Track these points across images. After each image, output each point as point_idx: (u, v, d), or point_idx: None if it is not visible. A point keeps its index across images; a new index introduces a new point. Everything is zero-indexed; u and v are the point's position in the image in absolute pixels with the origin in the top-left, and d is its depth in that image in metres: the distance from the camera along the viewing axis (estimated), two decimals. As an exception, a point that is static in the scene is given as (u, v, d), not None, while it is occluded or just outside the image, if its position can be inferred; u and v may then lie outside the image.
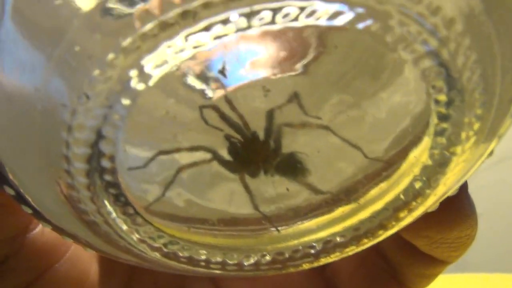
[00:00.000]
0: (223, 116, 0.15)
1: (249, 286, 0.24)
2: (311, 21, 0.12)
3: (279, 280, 0.24)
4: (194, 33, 0.11)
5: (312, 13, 0.11)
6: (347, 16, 0.12)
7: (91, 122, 0.12)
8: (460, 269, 0.26)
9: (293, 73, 0.14)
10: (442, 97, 0.14)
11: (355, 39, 0.14)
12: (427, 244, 0.21)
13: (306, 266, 0.17)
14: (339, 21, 0.12)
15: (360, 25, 0.12)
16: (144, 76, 0.12)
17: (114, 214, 0.14)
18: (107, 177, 0.14)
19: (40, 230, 0.19)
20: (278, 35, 0.13)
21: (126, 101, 0.12)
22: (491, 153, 0.16)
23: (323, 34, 0.14)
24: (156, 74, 0.12)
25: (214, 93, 0.14)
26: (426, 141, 0.15)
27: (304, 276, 0.24)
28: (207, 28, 0.11)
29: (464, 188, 0.19)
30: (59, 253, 0.20)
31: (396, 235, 0.21)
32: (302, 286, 0.24)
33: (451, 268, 0.22)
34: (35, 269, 0.19)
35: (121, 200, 0.14)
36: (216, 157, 0.16)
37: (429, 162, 0.15)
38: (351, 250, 0.17)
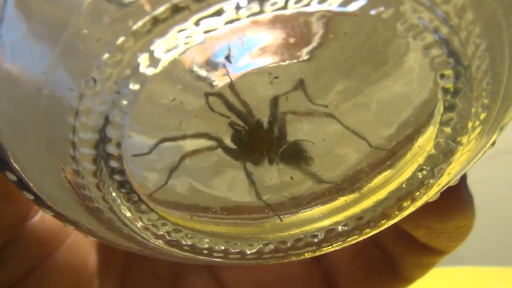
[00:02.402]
0: (228, 104, 0.15)
1: (247, 276, 0.24)
2: (323, 7, 0.11)
3: (277, 270, 0.24)
4: (206, 17, 0.11)
5: None
6: (360, 2, 0.12)
7: (99, 107, 0.12)
8: (454, 262, 0.26)
9: (300, 60, 0.14)
10: (450, 86, 0.14)
11: (365, 26, 0.14)
12: (426, 234, 0.21)
13: (308, 255, 0.17)
14: (352, 7, 0.12)
15: (372, 11, 0.12)
16: (154, 61, 0.12)
17: (118, 201, 0.14)
18: (113, 164, 0.14)
19: (40, 218, 0.19)
20: (287, 21, 0.13)
21: (135, 86, 0.12)
22: (493, 143, 0.16)
23: (333, 20, 0.13)
24: (166, 59, 0.12)
25: (220, 80, 0.14)
26: (431, 131, 0.15)
27: (302, 266, 0.24)
28: (218, 13, 0.11)
29: (463, 178, 0.19)
30: (59, 241, 0.20)
31: (394, 225, 0.21)
32: (300, 275, 0.24)
33: (445, 261, 0.23)
34: (35, 257, 0.19)
35: (126, 187, 0.14)
36: (220, 144, 0.16)
37: (434, 152, 0.15)
38: (354, 239, 0.17)
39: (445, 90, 0.14)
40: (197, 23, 0.11)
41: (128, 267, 0.23)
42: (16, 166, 0.14)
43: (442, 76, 0.13)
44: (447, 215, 0.20)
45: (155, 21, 0.11)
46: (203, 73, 0.14)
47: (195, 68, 0.14)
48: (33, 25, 0.12)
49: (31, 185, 0.15)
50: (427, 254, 0.22)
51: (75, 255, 0.20)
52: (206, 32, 0.11)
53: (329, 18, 0.13)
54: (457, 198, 0.20)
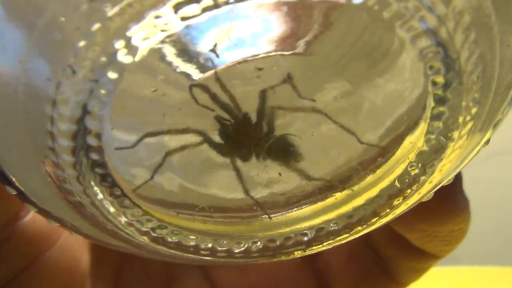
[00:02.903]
0: (213, 97, 0.15)
1: (239, 276, 0.23)
2: None
3: (271, 273, 0.24)
4: (183, 3, 0.11)
5: None
6: None
7: (77, 96, 0.12)
8: (450, 262, 0.26)
9: (287, 53, 0.14)
10: (440, 79, 0.13)
11: (352, 16, 0.14)
12: (420, 237, 0.21)
13: (298, 254, 0.17)
14: None
15: (356, 0, 0.11)
16: (131, 49, 0.11)
17: (100, 195, 0.14)
18: (93, 156, 0.13)
19: (31, 217, 0.19)
20: (272, 11, 0.13)
21: (113, 75, 0.12)
22: (487, 142, 0.16)
23: (320, 11, 0.13)
24: (144, 47, 0.11)
25: (204, 71, 0.14)
26: (422, 126, 0.15)
27: (294, 268, 0.24)
28: None
29: (458, 181, 0.19)
30: (50, 240, 0.20)
31: (388, 228, 0.21)
32: (293, 278, 0.24)
33: (441, 260, 0.22)
34: (26, 257, 0.19)
35: (107, 181, 0.14)
36: (207, 139, 0.15)
37: (425, 148, 0.15)
38: (344, 238, 0.17)
39: (435, 83, 0.13)
40: (174, 9, 0.11)
41: (120, 267, 0.23)
42: None
43: (431, 67, 0.13)
44: (441, 218, 0.20)
45: (130, 6, 0.11)
46: (186, 63, 0.14)
47: (178, 58, 0.13)
48: (9, 11, 0.12)
49: (13, 179, 0.14)
50: (421, 258, 0.22)
51: (67, 255, 0.20)
52: (183, 19, 0.11)
53: (315, 8, 0.13)
54: (452, 201, 0.19)
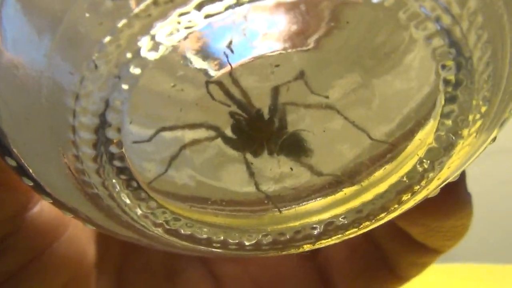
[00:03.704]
0: (228, 92, 0.15)
1: (241, 270, 0.24)
2: None
3: (272, 266, 0.24)
4: (207, 1, 0.11)
5: None
6: None
7: (100, 91, 0.12)
8: (449, 259, 0.26)
9: (301, 49, 0.14)
10: (451, 77, 0.14)
11: (367, 15, 0.14)
12: (423, 232, 0.21)
13: (307, 247, 0.17)
14: None
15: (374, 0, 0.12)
16: (155, 45, 0.12)
17: (118, 187, 0.14)
18: (113, 149, 0.13)
19: (39, 209, 0.19)
20: (288, 9, 0.13)
21: (136, 70, 0.12)
22: (494, 139, 0.16)
23: (336, 9, 0.13)
24: (167, 44, 0.12)
25: (220, 68, 0.14)
26: (432, 123, 0.15)
27: (296, 262, 0.24)
28: None
29: (462, 176, 0.19)
30: (58, 232, 0.20)
31: (390, 222, 0.21)
32: (294, 272, 0.24)
33: (440, 257, 0.22)
34: (34, 249, 0.19)
35: (125, 173, 0.14)
36: (221, 134, 0.16)
37: (435, 145, 0.15)
38: (353, 233, 0.17)
39: (447, 82, 0.14)
40: (198, 7, 0.11)
41: (124, 261, 0.23)
42: (16, 152, 0.14)
43: (444, 67, 0.13)
44: (444, 213, 0.20)
45: (156, 3, 0.11)
46: (204, 60, 0.14)
47: (197, 55, 0.14)
48: (35, 7, 0.12)
49: (31, 171, 0.15)
50: (422, 253, 0.22)
51: (74, 247, 0.20)
52: (207, 16, 0.11)
53: (332, 7, 0.13)
54: (455, 196, 0.20)
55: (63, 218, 0.19)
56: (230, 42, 0.14)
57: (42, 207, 0.19)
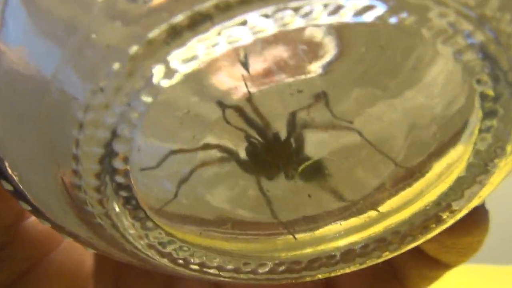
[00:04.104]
0: (245, 117, 0.14)
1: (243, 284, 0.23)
2: (336, 18, 0.10)
3: None
4: (230, 27, 0.10)
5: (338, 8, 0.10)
6: (378, 10, 0.10)
7: (106, 119, 0.11)
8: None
9: (319, 74, 0.13)
10: (490, 92, 0.12)
11: (388, 34, 0.13)
12: (436, 248, 0.20)
13: (322, 276, 0.16)
14: (368, 17, 0.10)
15: (393, 20, 0.10)
16: (169, 72, 0.10)
17: (123, 218, 0.13)
18: (119, 179, 0.12)
19: (35, 219, 0.18)
20: (307, 35, 0.12)
21: (147, 99, 0.11)
22: None
23: (350, 31, 0.12)
24: (182, 71, 0.11)
25: (238, 93, 0.13)
26: (464, 151, 0.14)
27: None
28: (243, 23, 0.10)
29: None
30: (54, 242, 0.19)
31: None
32: (301, 283, 0.23)
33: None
34: (30, 258, 0.19)
35: (131, 203, 0.13)
36: (234, 157, 0.15)
37: (465, 174, 0.14)
38: (372, 261, 0.16)
39: (484, 96, 0.12)
40: (219, 33, 0.10)
41: (122, 269, 0.22)
42: (14, 176, 0.13)
43: (479, 81, 0.12)
44: (460, 231, 0.19)
45: (173, 30, 0.10)
46: (221, 85, 0.13)
47: (213, 79, 0.12)
48: (44, 23, 0.11)
49: (29, 196, 0.13)
50: (434, 267, 0.21)
51: (71, 256, 0.20)
52: (230, 43, 0.10)
53: (345, 30, 0.12)
54: (474, 214, 0.19)
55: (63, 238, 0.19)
56: (247, 64, 0.12)
57: None
